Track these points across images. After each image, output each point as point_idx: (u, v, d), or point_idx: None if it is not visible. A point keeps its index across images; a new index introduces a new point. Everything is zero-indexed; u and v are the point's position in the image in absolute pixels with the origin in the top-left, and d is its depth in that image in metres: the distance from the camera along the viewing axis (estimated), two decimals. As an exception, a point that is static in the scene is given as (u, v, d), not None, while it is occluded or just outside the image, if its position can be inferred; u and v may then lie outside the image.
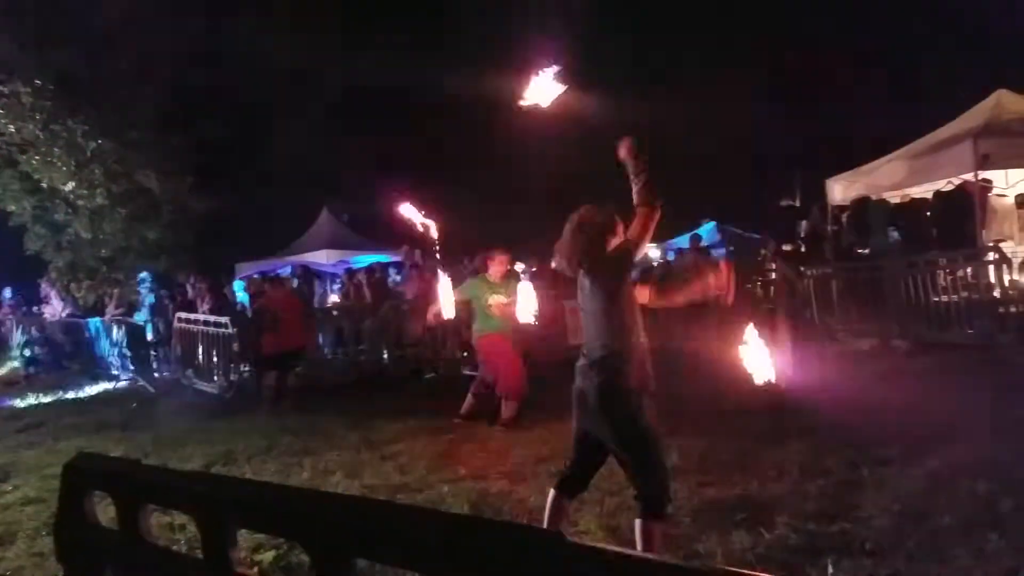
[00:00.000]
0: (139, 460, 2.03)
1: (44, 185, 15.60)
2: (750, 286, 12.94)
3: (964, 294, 9.71)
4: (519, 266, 14.90)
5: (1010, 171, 11.46)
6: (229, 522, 1.38)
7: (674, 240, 19.66)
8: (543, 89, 4.45)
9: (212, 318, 11.61)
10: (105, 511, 1.99)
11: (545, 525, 3.68)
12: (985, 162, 10.00)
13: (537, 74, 4.40)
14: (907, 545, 3.79)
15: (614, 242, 3.69)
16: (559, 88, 4.46)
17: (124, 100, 15.88)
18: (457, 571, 1.09)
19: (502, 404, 7.42)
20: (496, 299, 7.44)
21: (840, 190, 12.80)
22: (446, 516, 1.27)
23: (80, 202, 15.90)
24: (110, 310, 16.08)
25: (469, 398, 7.67)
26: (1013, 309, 9.12)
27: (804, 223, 14.78)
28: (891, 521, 4.10)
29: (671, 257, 16.89)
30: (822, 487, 4.75)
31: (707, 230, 20.20)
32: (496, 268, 7.60)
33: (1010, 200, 11.81)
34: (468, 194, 23.49)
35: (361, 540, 1.18)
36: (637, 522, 3.51)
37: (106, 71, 15.51)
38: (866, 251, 12.21)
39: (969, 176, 10.45)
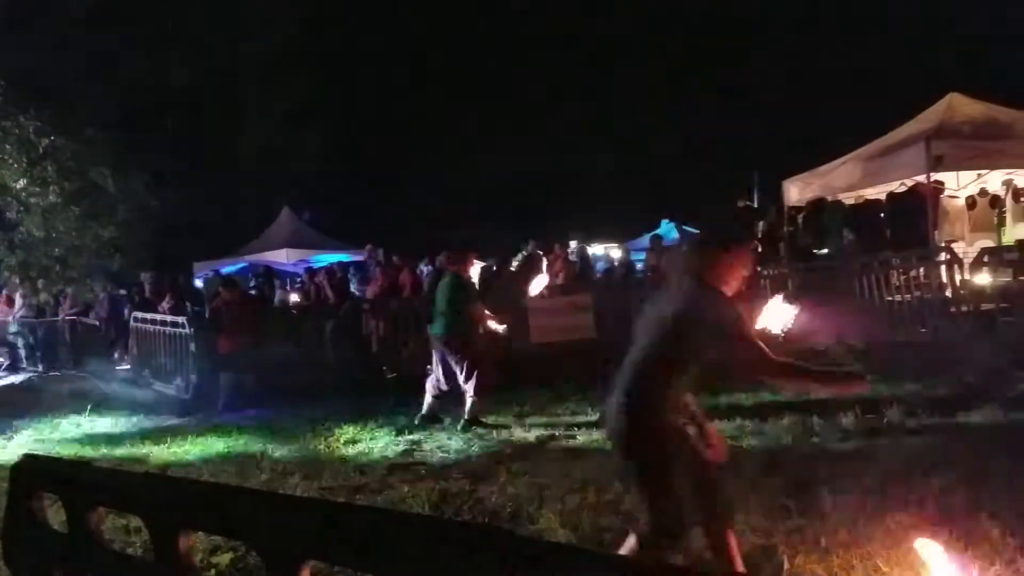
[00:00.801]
0: (89, 461, 2.00)
1: (-5, 183, 15.26)
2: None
3: (917, 294, 9.94)
4: (480, 264, 14.90)
5: (961, 173, 11.74)
6: (180, 524, 1.37)
7: (635, 240, 19.84)
8: None
9: (170, 318, 11.43)
10: (57, 514, 1.96)
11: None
12: (938, 164, 10.21)
13: None
14: (861, 541, 3.86)
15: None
16: None
17: (78, 97, 15.57)
18: (410, 572, 1.09)
19: (467, 401, 7.40)
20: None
21: (796, 191, 13.00)
22: (397, 516, 1.28)
23: (32, 200, 15.56)
24: (64, 310, 15.75)
25: (430, 400, 7.65)
26: (964, 308, 9.34)
27: (761, 223, 15.00)
28: (846, 517, 4.17)
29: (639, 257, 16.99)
30: (779, 484, 4.81)
31: (666, 230, 20.38)
32: (470, 268, 7.73)
33: (961, 202, 12.12)
34: (426, 195, 23.49)
35: (313, 542, 1.18)
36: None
37: (60, 68, 15.20)
38: (822, 251, 12.43)
39: (922, 178, 10.67)
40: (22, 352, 15.42)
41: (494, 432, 6.99)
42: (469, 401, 7.35)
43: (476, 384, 7.33)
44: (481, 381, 7.37)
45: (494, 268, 13.70)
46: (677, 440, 3.26)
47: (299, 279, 16.52)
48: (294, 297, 14.60)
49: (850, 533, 3.95)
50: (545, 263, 12.44)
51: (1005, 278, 9.20)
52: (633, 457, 3.29)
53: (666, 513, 3.19)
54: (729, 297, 3.31)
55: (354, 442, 7.01)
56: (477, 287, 7.62)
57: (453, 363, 7.47)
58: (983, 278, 9.38)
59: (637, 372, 3.26)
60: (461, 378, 7.39)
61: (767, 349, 3.21)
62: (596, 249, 22.13)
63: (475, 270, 7.77)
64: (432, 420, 7.55)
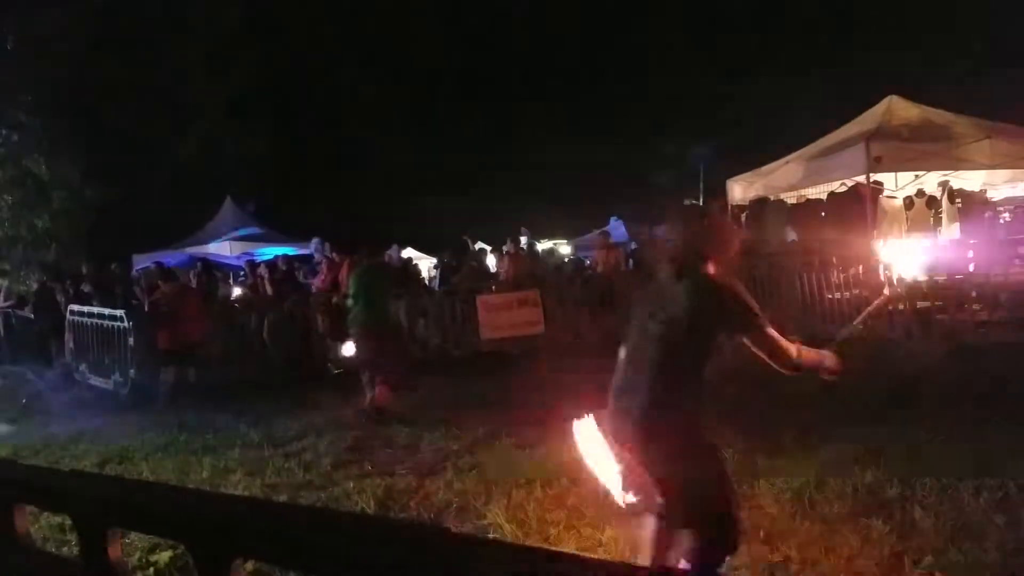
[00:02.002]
0: (14, 458, 1.93)
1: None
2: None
3: (856, 291, 10.20)
4: (431, 261, 14.82)
5: (900, 174, 12.09)
6: (108, 522, 1.34)
7: (586, 236, 20.00)
8: None
9: (107, 311, 11.11)
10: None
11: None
12: (877, 165, 10.48)
13: None
14: (799, 532, 3.96)
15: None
16: None
17: (10, 82, 15.02)
18: (344, 571, 1.08)
19: (379, 390, 7.44)
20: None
21: (740, 190, 13.23)
22: (331, 514, 1.26)
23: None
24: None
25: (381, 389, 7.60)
26: (900, 307, 9.61)
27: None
28: (784, 509, 4.27)
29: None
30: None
31: (614, 227, 20.60)
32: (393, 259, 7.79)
33: (899, 202, 12.48)
34: (375, 187, 23.27)
35: (243, 540, 1.15)
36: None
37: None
38: (764, 250, 12.68)
39: (861, 178, 10.95)
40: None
41: (440, 428, 6.96)
42: (376, 391, 7.42)
43: (384, 378, 7.43)
44: (401, 371, 7.52)
45: (445, 261, 13.67)
46: (713, 460, 3.10)
47: (242, 272, 16.22)
48: (236, 291, 14.33)
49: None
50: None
51: (940, 277, 9.50)
52: (668, 474, 3.01)
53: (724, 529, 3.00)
54: (736, 282, 3.12)
55: (298, 438, 6.91)
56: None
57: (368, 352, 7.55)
58: (920, 277, 9.67)
59: (661, 382, 2.98)
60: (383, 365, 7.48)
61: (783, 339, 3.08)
62: (544, 245, 22.26)
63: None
64: (374, 414, 7.47)
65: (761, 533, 3.94)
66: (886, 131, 10.96)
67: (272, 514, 1.18)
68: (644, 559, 3.22)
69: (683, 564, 3.00)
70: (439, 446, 6.29)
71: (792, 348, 3.12)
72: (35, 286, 15.09)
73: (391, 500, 5.04)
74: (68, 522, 4.52)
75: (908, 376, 7.49)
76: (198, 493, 1.42)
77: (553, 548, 2.72)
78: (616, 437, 3.11)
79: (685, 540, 3.03)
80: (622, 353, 3.21)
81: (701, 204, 14.97)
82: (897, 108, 11.53)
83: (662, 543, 3.16)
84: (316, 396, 8.79)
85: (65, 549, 4.24)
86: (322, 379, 10.21)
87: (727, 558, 3.12)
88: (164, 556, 4.09)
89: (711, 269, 3.15)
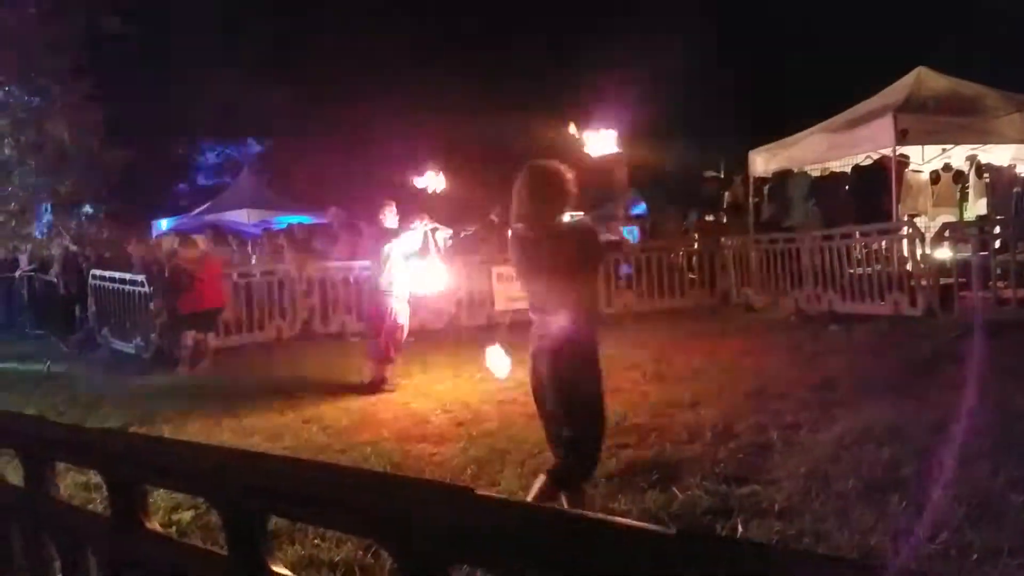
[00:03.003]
0: (46, 418, 1.97)
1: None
2: (673, 256, 13.19)
3: (878, 267, 10.11)
4: (447, 232, 14.84)
5: (926, 147, 11.88)
6: (139, 480, 1.36)
7: (602, 209, 19.81)
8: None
9: (128, 276, 11.23)
10: (17, 471, 1.93)
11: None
12: (903, 138, 10.32)
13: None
14: (813, 506, 3.96)
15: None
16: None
17: (30, 46, 15.03)
18: (369, 528, 1.11)
19: (371, 365, 7.54)
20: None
21: (762, 162, 13.07)
22: (359, 473, 1.28)
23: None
24: (22, 267, 15.41)
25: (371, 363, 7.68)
26: (924, 283, 9.51)
27: (726, 194, 15.10)
28: (799, 484, 4.26)
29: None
30: (734, 450, 4.90)
31: (632, 199, 20.39)
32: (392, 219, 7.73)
33: (925, 176, 12.28)
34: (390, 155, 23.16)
35: (274, 498, 1.18)
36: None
37: (9, 17, 14.66)
38: (786, 223, 12.56)
39: (887, 151, 10.79)
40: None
41: (453, 396, 7.00)
42: (380, 364, 7.51)
43: (392, 350, 7.50)
44: (395, 348, 7.55)
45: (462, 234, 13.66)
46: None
47: (259, 240, 16.25)
48: (254, 259, 14.40)
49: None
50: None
51: (965, 254, 9.37)
52: (586, 384, 3.64)
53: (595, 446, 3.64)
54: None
55: (315, 404, 6.99)
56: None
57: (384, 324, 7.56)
58: (944, 253, 9.55)
59: (570, 297, 3.54)
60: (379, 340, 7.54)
61: None
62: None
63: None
64: (375, 384, 7.52)
65: (775, 507, 3.95)
66: (914, 103, 10.75)
67: (305, 472, 1.20)
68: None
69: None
70: (452, 414, 6.32)
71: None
72: (57, 251, 15.25)
73: (406, 465, 5.10)
74: (93, 480, 4.62)
75: (929, 353, 7.44)
76: (230, 451, 1.45)
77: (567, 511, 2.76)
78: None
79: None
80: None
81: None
82: (926, 79, 11.29)
83: (546, 494, 3.63)
84: (335, 364, 8.87)
85: (90, 507, 4.33)
86: (341, 347, 10.30)
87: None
88: (186, 516, 4.17)
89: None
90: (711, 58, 23.47)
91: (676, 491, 4.24)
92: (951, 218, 11.35)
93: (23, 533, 1.61)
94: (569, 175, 3.76)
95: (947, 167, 12.17)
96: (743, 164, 13.68)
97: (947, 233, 9.75)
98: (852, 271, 10.28)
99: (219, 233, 15.34)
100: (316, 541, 3.71)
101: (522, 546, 0.90)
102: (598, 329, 3.75)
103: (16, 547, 1.61)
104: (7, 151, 15.12)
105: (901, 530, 3.65)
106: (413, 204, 7.51)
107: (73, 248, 14.97)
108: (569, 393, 3.63)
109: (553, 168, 3.76)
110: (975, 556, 3.30)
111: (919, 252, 9.80)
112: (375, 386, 7.39)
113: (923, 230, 10.20)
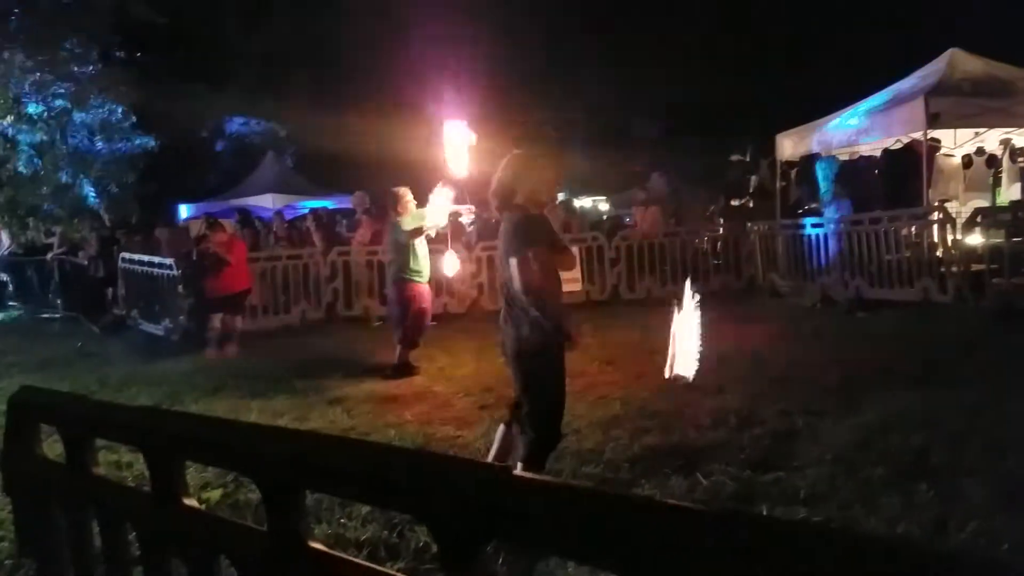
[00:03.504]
0: (85, 395, 2.02)
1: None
2: (698, 241, 13.11)
3: (907, 253, 9.98)
4: (468, 211, 14.81)
5: (958, 131, 11.68)
6: (178, 456, 1.39)
7: (626, 193, 19.73)
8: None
9: (157, 259, 11.38)
10: (51, 448, 1.98)
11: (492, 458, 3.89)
12: (935, 121, 10.15)
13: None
14: (839, 494, 3.94)
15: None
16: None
17: (61, 32, 15.20)
18: (407, 505, 1.13)
19: (397, 350, 7.54)
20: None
21: (790, 146, 12.93)
22: (397, 451, 1.30)
23: (19, 137, 15.30)
24: (53, 249, 15.66)
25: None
26: (955, 269, 9.38)
27: (753, 178, 14.97)
28: (824, 471, 4.23)
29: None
30: (758, 436, 4.88)
31: (656, 183, 20.27)
32: (406, 210, 7.67)
33: (957, 160, 12.07)
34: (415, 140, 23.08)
35: (312, 474, 1.21)
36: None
37: (41, 2, 14.83)
38: (813, 207, 12.43)
39: (918, 135, 10.62)
40: (11, 291, 15.40)
41: (476, 379, 7.02)
42: (404, 349, 7.52)
43: (404, 334, 7.50)
44: (419, 333, 7.56)
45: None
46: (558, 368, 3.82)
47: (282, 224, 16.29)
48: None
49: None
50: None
51: (997, 239, 9.22)
52: (541, 367, 3.76)
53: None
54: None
55: (340, 386, 7.05)
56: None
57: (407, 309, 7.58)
58: (975, 239, 9.41)
59: (535, 288, 3.69)
60: (404, 325, 7.55)
61: None
62: (584, 202, 22.03)
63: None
64: (399, 368, 7.51)
65: (800, 494, 3.94)
66: (946, 85, 10.55)
67: (342, 449, 1.22)
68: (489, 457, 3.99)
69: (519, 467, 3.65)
70: (475, 398, 6.35)
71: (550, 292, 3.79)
72: (87, 234, 15.46)
73: (430, 447, 5.14)
74: (124, 459, 4.71)
75: (959, 340, 7.36)
76: (267, 428, 1.48)
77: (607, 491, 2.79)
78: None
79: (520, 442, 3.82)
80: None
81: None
82: (959, 61, 11.07)
83: (506, 446, 3.96)
84: (358, 347, 8.94)
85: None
86: (364, 331, 10.38)
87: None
88: (215, 494, 4.24)
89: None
90: (739, 40, 23.20)
91: (700, 477, 4.25)
92: (983, 203, 11.17)
93: (65, 508, 1.66)
94: (535, 163, 3.95)
95: (980, 151, 11.97)
96: (769, 147, 13.55)
97: (979, 218, 9.60)
98: (880, 257, 10.16)
99: (246, 217, 15.48)
100: (343, 520, 3.76)
101: (557, 525, 0.92)
102: (557, 315, 3.76)
103: (58, 522, 1.66)
104: (39, 135, 15.32)
105: (930, 519, 3.63)
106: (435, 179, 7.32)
107: (104, 231, 15.17)
108: (524, 374, 3.81)
109: (519, 156, 3.93)
110: (1005, 546, 3.28)
111: (950, 238, 9.67)
112: (399, 370, 7.43)
113: (954, 215, 10.06)
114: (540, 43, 23.53)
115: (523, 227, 3.77)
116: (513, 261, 3.71)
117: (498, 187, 3.88)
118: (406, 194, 7.67)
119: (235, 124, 26.20)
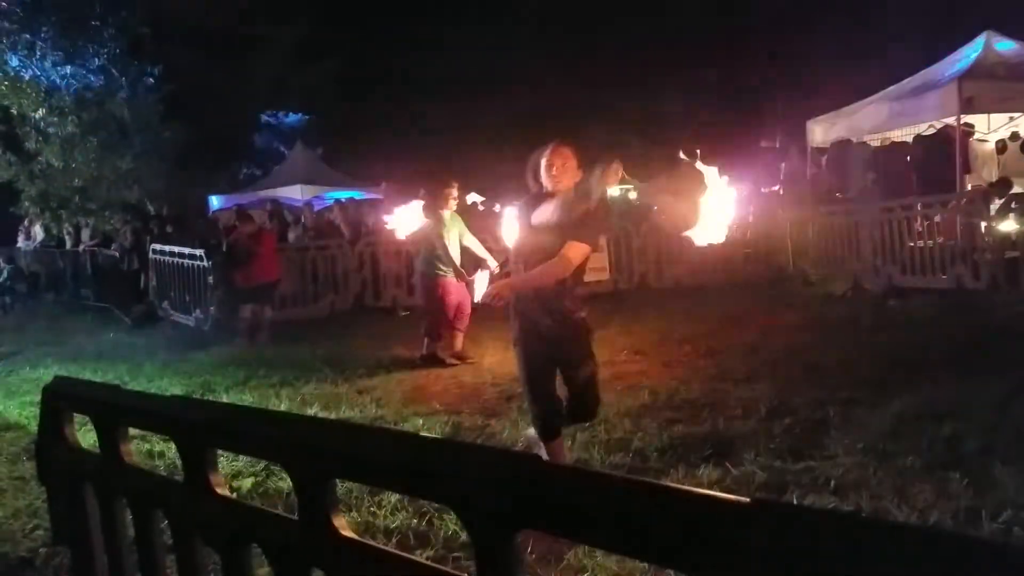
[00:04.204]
0: (118, 385, 2.05)
1: (14, 112, 15.19)
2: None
3: (940, 240, 9.83)
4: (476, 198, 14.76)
5: (993, 116, 11.47)
6: (210, 445, 1.41)
7: (656, 180, 19.53)
8: None
9: (187, 250, 11.51)
10: (84, 437, 2.01)
11: None
12: (969, 106, 9.97)
13: None
14: (871, 483, 3.89)
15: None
16: None
17: (89, 24, 15.38)
18: (438, 494, 1.13)
19: (424, 341, 7.59)
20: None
21: (820, 132, 12.77)
22: (423, 439, 1.31)
23: (51, 130, 15.52)
24: (85, 241, 15.91)
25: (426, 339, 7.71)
26: (988, 256, 9.23)
27: (783, 165, 14.80)
28: (856, 460, 4.19)
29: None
30: (789, 426, 4.84)
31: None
32: (447, 203, 7.60)
33: (991, 145, 11.86)
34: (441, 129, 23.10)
35: (344, 463, 1.22)
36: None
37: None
38: (844, 194, 12.27)
39: (952, 120, 10.44)
40: (44, 282, 15.68)
41: (503, 370, 7.00)
42: (432, 341, 7.56)
43: (430, 326, 7.56)
44: (449, 326, 7.53)
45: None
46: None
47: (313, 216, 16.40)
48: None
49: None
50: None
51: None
52: (583, 356, 3.96)
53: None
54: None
55: (368, 376, 7.10)
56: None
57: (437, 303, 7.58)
58: (1009, 225, 9.23)
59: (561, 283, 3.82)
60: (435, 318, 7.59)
61: None
62: (612, 190, 21.86)
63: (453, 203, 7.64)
64: (432, 359, 7.55)
65: (831, 483, 3.90)
66: (980, 69, 10.35)
67: (370, 438, 1.23)
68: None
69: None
70: (502, 388, 6.35)
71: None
72: (118, 226, 15.66)
73: (458, 436, 5.16)
74: (156, 448, 4.78)
75: (992, 327, 7.23)
76: (299, 416, 1.49)
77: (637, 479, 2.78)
78: None
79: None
80: None
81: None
82: (993, 44, 10.85)
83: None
84: (385, 337, 8.99)
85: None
86: (391, 321, 10.44)
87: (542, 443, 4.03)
88: (246, 483, 4.28)
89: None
90: (767, 23, 22.89)
91: (729, 466, 4.21)
92: (1018, 189, 10.95)
93: (98, 497, 1.68)
94: (546, 155, 3.97)
95: (1015, 136, 11.73)
96: (801, 134, 13.39)
97: (1014, 205, 9.42)
98: (912, 244, 10.01)
99: (276, 208, 15.61)
100: (372, 509, 3.79)
101: (590, 513, 0.91)
102: (533, 306, 3.90)
103: (92, 510, 1.69)
104: (71, 128, 15.52)
105: (962, 507, 3.57)
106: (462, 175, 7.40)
107: (136, 223, 15.36)
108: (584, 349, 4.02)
109: (540, 149, 4.02)
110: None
111: (983, 225, 9.50)
112: (431, 361, 7.45)
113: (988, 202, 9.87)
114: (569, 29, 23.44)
115: (595, 214, 3.86)
116: (576, 245, 3.77)
117: (568, 165, 3.91)
118: (453, 190, 7.64)
119: (265, 116, 26.43)
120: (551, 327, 3.89)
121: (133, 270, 13.51)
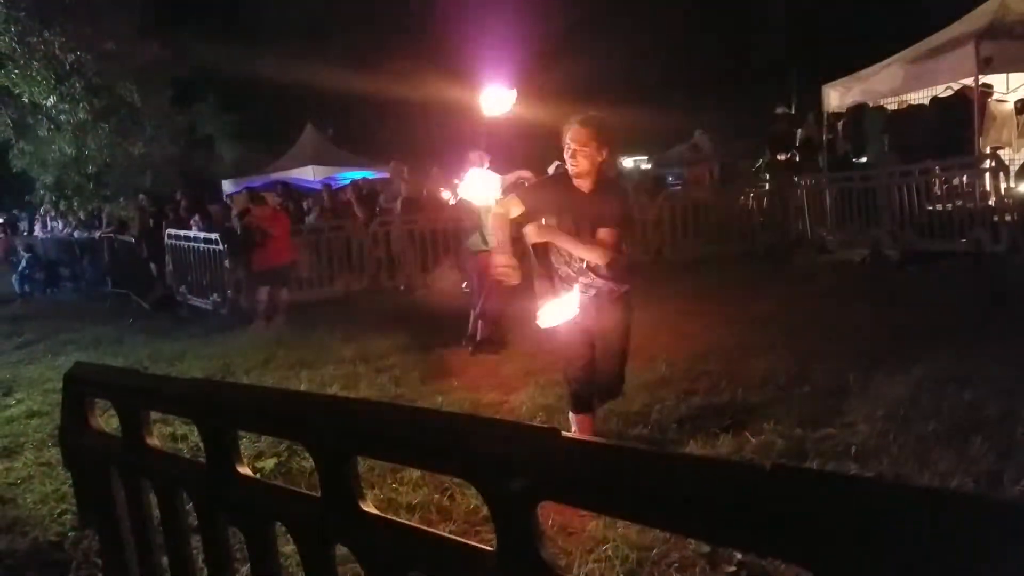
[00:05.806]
0: (138, 369, 2.07)
1: (25, 100, 15.24)
2: (743, 198, 12.90)
3: (958, 203, 9.71)
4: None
5: (1011, 75, 11.27)
6: (232, 425, 1.42)
7: (669, 152, 19.43)
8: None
9: (203, 235, 11.57)
10: (107, 422, 2.03)
11: None
12: (986, 66, 9.81)
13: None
14: (891, 449, 3.88)
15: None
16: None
17: (98, 10, 15.35)
18: (458, 468, 1.14)
19: (479, 325, 7.14)
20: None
21: (836, 97, 12.61)
22: (442, 415, 1.31)
23: (63, 117, 15.57)
24: (102, 228, 16.01)
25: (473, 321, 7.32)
26: (1008, 218, 9.12)
27: (799, 131, 14.64)
28: (876, 427, 4.18)
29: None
30: (808, 394, 4.83)
31: (700, 141, 19.94)
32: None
33: (1010, 106, 11.65)
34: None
35: (365, 440, 1.23)
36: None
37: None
38: (861, 160, 12.14)
39: (969, 81, 10.27)
40: (61, 269, 15.83)
41: (520, 346, 6.91)
42: (484, 323, 7.09)
43: (495, 306, 7.06)
44: (498, 303, 7.03)
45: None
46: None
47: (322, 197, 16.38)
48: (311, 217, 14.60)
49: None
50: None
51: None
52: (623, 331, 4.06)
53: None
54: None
55: (387, 355, 7.12)
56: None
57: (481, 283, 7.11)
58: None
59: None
60: (483, 298, 7.10)
61: None
62: (626, 162, 21.74)
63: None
64: (481, 343, 7.09)
65: (852, 450, 3.89)
66: (998, 28, 10.15)
67: (391, 415, 1.23)
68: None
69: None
70: (520, 364, 6.35)
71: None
72: (133, 212, 15.74)
73: (478, 412, 5.18)
74: (179, 431, 4.84)
75: (1013, 291, 7.16)
76: (317, 397, 1.50)
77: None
78: None
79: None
80: None
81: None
82: (1011, 2, 10.63)
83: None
84: (402, 316, 9.01)
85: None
86: (406, 300, 10.46)
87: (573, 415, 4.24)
88: (269, 463, 4.33)
89: None
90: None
91: (749, 435, 4.22)
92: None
93: (123, 480, 1.70)
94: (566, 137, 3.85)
95: (1034, 96, 11.54)
96: (816, 99, 13.22)
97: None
98: (931, 208, 9.90)
99: (289, 191, 15.64)
100: (394, 486, 3.82)
101: (609, 485, 0.91)
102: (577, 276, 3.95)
103: (117, 493, 1.71)
104: (82, 115, 15.56)
105: (984, 471, 3.56)
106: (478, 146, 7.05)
107: (151, 208, 15.43)
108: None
109: (601, 117, 3.96)
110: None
111: (1003, 186, 9.38)
112: (483, 344, 7.03)
113: (1007, 163, 9.74)
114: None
115: (627, 199, 4.06)
116: (607, 231, 3.79)
117: (586, 149, 3.78)
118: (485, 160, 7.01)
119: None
120: (594, 299, 3.90)
121: (149, 255, 13.59)
